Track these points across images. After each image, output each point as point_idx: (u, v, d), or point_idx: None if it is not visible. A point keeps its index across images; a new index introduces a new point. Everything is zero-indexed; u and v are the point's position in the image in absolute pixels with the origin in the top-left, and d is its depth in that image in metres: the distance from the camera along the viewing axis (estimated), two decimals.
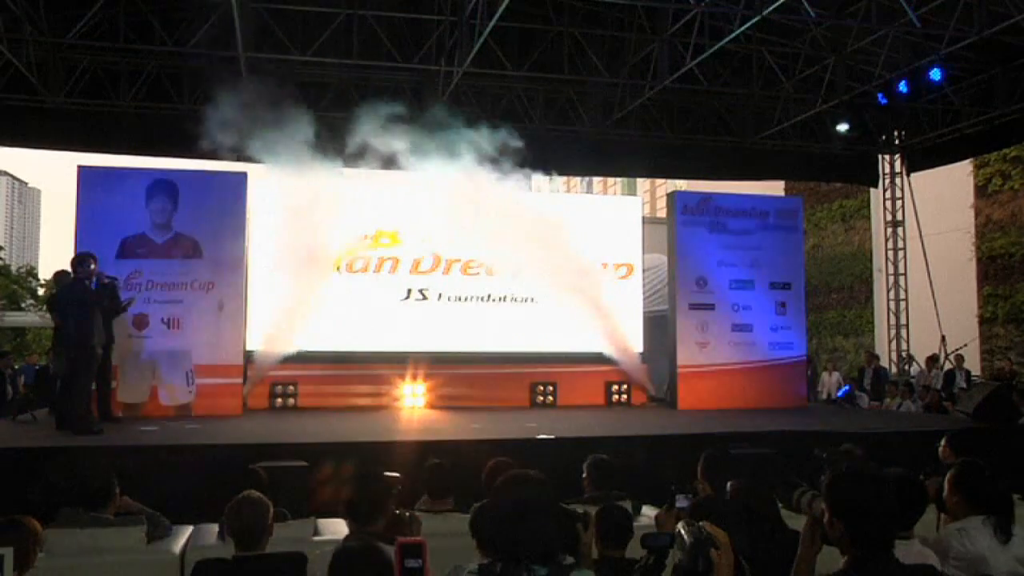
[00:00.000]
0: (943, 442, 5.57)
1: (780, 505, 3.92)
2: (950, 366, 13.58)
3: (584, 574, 2.34)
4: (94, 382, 7.82)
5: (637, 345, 11.67)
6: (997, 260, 15.57)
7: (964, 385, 12.55)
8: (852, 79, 11.59)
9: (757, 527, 3.17)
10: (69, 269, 8.02)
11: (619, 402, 11.36)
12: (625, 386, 11.42)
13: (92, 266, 7.81)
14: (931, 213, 14.68)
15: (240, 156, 9.78)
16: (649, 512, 4.82)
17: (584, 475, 4.70)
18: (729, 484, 4.26)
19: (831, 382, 13.89)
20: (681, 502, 3.14)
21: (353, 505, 3.39)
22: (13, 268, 46.15)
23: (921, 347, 14.74)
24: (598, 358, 11.38)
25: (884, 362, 15.41)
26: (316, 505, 5.34)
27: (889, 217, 15.56)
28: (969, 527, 3.32)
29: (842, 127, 13.21)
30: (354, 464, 5.24)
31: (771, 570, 2.65)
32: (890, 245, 15.63)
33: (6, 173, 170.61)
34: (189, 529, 4.40)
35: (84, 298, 7.62)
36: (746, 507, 3.32)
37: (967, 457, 3.79)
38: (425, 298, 11.19)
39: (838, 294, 19.60)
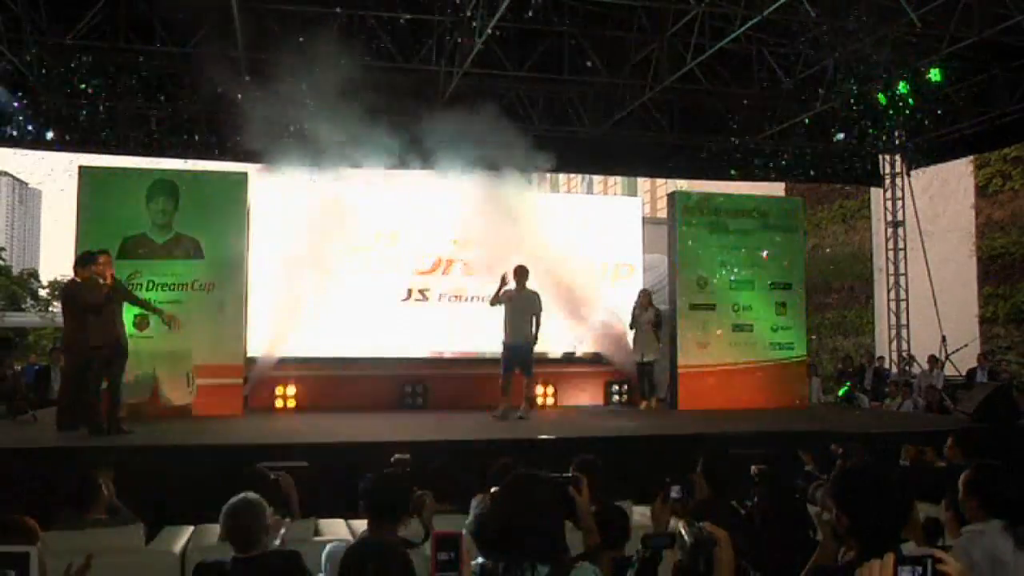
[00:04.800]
0: (949, 442, 5.58)
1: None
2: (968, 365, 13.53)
3: (585, 570, 2.34)
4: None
5: None
6: (997, 260, 15.57)
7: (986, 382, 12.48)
8: (852, 79, 11.58)
9: (781, 529, 3.19)
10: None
11: (619, 402, 11.38)
12: (625, 386, 11.43)
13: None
14: (931, 213, 14.68)
15: (243, 156, 9.81)
16: (645, 511, 4.83)
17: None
18: (753, 467, 4.27)
19: (812, 387, 13.35)
20: (675, 493, 3.15)
21: (376, 505, 3.37)
22: (14, 269, 46.18)
23: (921, 347, 14.74)
24: (598, 358, 11.39)
25: (884, 362, 15.42)
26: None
27: (889, 217, 15.56)
28: (989, 530, 3.26)
29: (839, 136, 13.33)
30: (378, 464, 5.23)
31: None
32: (890, 245, 15.63)
33: (7, 174, 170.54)
34: (189, 529, 4.40)
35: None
36: (770, 510, 3.33)
37: (977, 458, 3.75)
38: (425, 299, 11.19)
39: (838, 294, 19.59)
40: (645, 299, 10.94)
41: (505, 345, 9.45)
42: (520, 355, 9.36)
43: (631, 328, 10.96)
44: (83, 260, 7.71)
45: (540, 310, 9.44)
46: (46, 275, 46.95)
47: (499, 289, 9.45)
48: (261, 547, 3.30)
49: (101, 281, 7.55)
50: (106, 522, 4.06)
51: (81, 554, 3.01)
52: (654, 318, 10.82)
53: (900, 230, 15.46)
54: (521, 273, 9.43)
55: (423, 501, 3.49)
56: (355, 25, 10.37)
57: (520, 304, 9.35)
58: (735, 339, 11.05)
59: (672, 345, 10.97)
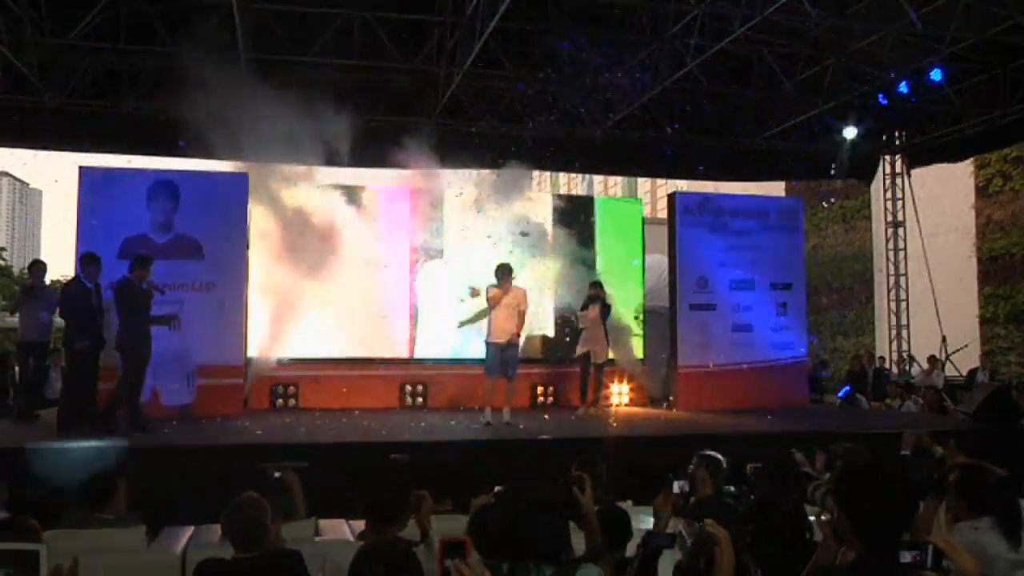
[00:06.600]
0: (950, 443, 5.61)
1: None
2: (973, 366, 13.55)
3: (588, 571, 2.34)
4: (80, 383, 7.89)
5: (636, 346, 11.68)
6: (998, 260, 15.58)
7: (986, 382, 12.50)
8: (852, 79, 11.59)
9: (775, 532, 3.18)
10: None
11: (619, 403, 11.36)
12: (627, 386, 11.41)
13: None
14: (931, 213, 14.68)
15: (243, 156, 9.80)
16: (646, 512, 4.83)
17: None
18: (749, 467, 4.26)
19: None
20: (677, 488, 3.16)
21: (375, 506, 3.37)
22: (15, 269, 46.12)
23: (922, 347, 14.75)
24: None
25: (885, 362, 15.41)
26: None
27: (889, 217, 15.57)
28: (979, 527, 3.34)
29: (849, 133, 13.08)
30: (378, 464, 5.23)
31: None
32: (890, 245, 15.65)
33: (8, 174, 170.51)
34: (190, 529, 4.40)
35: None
36: (764, 511, 3.32)
37: (974, 459, 3.81)
38: (426, 299, 11.18)
39: (838, 294, 19.59)
40: (591, 291, 9.98)
41: (489, 344, 8.79)
42: (507, 354, 8.77)
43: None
44: (142, 262, 7.90)
45: (527, 307, 8.91)
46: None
47: (490, 297, 8.78)
48: (261, 547, 3.31)
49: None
50: (109, 522, 4.07)
51: (83, 554, 3.00)
52: (600, 311, 9.82)
53: (900, 230, 15.48)
54: (505, 271, 8.79)
55: (420, 501, 3.49)
56: (355, 25, 10.36)
57: (508, 301, 8.71)
58: (735, 339, 11.03)
59: (672, 345, 10.96)
